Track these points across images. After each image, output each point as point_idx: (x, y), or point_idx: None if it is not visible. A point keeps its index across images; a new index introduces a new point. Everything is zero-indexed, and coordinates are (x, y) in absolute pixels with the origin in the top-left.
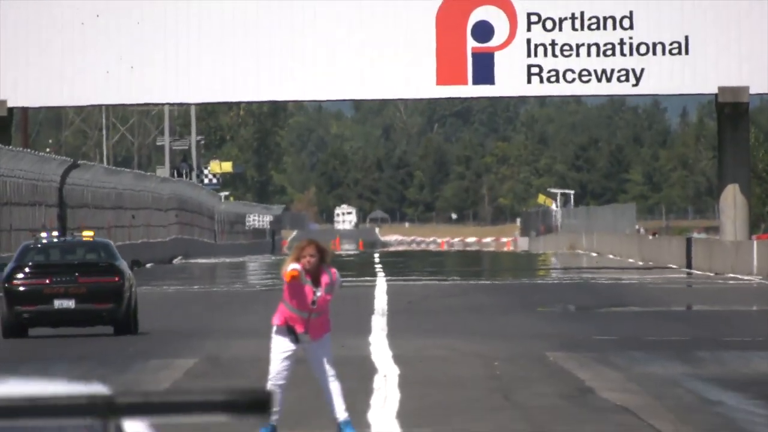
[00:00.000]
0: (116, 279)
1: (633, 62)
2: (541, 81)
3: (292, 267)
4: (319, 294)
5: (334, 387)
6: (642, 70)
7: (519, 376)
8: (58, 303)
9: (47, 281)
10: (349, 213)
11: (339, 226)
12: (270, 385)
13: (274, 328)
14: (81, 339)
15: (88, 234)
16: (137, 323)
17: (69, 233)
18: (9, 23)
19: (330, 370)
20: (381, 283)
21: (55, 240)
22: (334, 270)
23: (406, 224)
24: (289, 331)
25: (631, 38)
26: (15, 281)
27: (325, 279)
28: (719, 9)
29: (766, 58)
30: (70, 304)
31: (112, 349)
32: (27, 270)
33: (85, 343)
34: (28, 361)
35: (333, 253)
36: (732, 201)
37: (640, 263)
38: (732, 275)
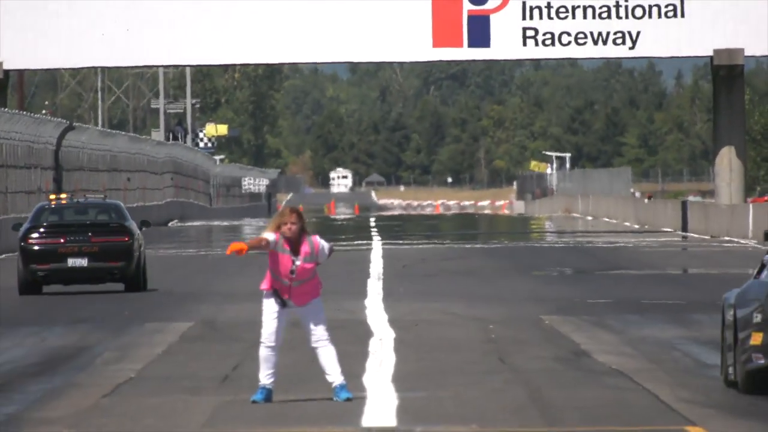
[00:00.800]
0: (126, 239)
1: (629, 25)
2: (537, 44)
3: (265, 235)
4: (298, 263)
5: (328, 351)
6: (638, 33)
7: (514, 339)
8: (71, 261)
9: (61, 240)
10: (345, 177)
11: (335, 190)
12: (262, 347)
13: (264, 293)
14: (90, 297)
15: (61, 196)
16: (146, 280)
17: (82, 195)
18: None
19: (323, 335)
20: (377, 246)
21: (68, 201)
22: (316, 239)
23: (402, 188)
24: (275, 295)
25: (626, 0)
26: (30, 240)
27: (305, 248)
28: None
29: (762, 20)
30: (83, 262)
31: (108, 312)
32: (42, 230)
33: (90, 301)
34: (29, 321)
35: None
36: (727, 164)
37: (636, 226)
38: (727, 238)
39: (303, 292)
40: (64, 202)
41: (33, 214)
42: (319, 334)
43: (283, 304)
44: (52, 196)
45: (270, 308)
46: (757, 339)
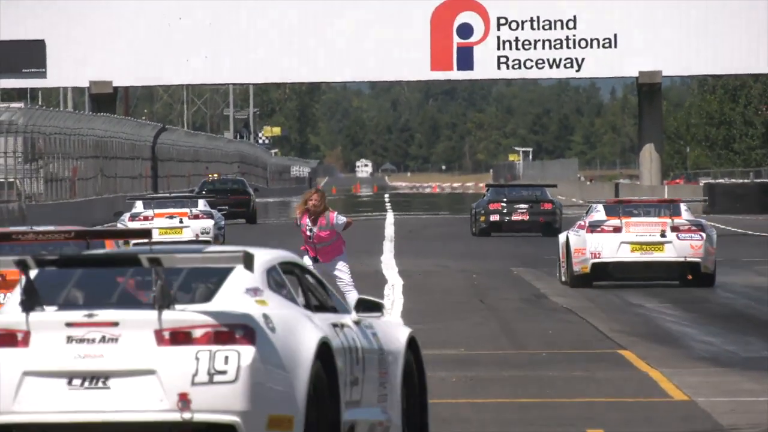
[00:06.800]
0: (247, 197)
1: (576, 53)
2: (508, 68)
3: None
4: (314, 231)
5: (352, 296)
6: (582, 59)
7: (491, 285)
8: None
9: (217, 197)
10: (367, 165)
11: (359, 175)
12: None
13: (301, 251)
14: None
15: (213, 175)
16: (256, 219)
17: (224, 174)
18: (113, 25)
19: (349, 282)
20: (390, 217)
21: (216, 178)
22: (332, 214)
23: (408, 173)
24: (308, 253)
25: (574, 35)
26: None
27: (322, 221)
28: (639, 15)
29: (674, 50)
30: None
31: None
32: (195, 193)
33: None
34: None
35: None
36: (649, 156)
37: (581, 202)
38: None
39: (326, 252)
40: (211, 178)
41: (200, 185)
42: (345, 281)
43: (315, 260)
44: (211, 175)
45: (306, 263)
46: (482, 219)
